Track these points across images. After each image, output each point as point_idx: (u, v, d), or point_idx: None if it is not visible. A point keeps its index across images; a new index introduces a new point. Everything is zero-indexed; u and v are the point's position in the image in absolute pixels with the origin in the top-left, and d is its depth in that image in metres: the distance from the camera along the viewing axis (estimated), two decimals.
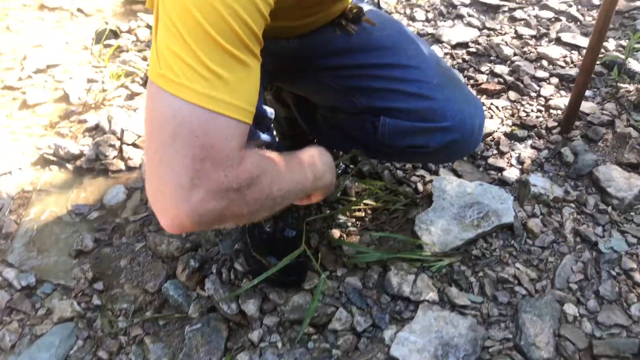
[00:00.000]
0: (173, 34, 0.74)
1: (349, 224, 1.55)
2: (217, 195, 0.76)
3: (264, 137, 0.99)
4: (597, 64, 2.10)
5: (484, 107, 1.97)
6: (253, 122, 0.95)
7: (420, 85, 1.25)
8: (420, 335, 1.27)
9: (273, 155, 0.90)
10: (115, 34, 2.28)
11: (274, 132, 1.15)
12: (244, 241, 1.43)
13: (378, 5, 1.47)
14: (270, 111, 1.00)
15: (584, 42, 2.25)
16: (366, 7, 1.35)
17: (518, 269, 1.45)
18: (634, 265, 1.46)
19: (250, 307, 1.31)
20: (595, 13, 2.50)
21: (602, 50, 2.11)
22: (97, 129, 1.85)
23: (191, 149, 0.73)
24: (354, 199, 1.60)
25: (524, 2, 2.60)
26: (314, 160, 1.04)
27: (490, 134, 1.86)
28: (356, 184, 1.66)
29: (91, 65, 2.16)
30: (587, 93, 1.99)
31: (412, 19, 2.48)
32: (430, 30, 2.40)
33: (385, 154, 1.41)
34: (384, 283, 1.38)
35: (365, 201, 1.59)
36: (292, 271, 1.33)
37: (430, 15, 2.52)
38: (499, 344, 1.29)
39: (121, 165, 1.72)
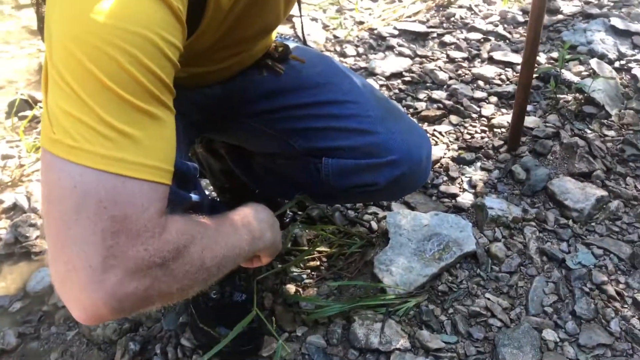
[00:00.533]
0: (65, 92, 0.62)
1: (304, 276, 1.43)
2: (138, 274, 0.63)
3: (191, 197, 0.87)
4: (533, 78, 2.09)
5: (428, 135, 1.91)
6: (174, 182, 0.83)
7: (360, 120, 1.16)
8: None
9: (201, 219, 0.78)
10: (29, 104, 2.11)
11: (203, 190, 1.02)
12: (188, 313, 1.28)
13: (304, 44, 1.38)
14: (193, 166, 0.88)
15: (516, 58, 2.25)
16: (292, 45, 1.27)
17: (489, 299, 1.35)
18: (605, 278, 1.40)
19: None
20: (521, 30, 2.53)
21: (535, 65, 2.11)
22: (15, 208, 1.68)
23: (100, 223, 0.61)
24: (306, 248, 1.48)
25: (451, 27, 2.61)
26: (249, 219, 0.92)
27: (437, 161, 1.80)
28: (307, 231, 1.55)
29: (5, 140, 1.99)
30: (529, 108, 1.97)
31: (342, 55, 2.44)
32: (362, 64, 2.36)
33: (333, 197, 1.31)
34: (350, 336, 1.26)
35: (318, 248, 1.47)
36: (246, 340, 1.19)
37: (361, 50, 2.48)
38: None
39: (45, 245, 1.54)
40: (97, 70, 0.61)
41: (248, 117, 1.20)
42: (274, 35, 1.23)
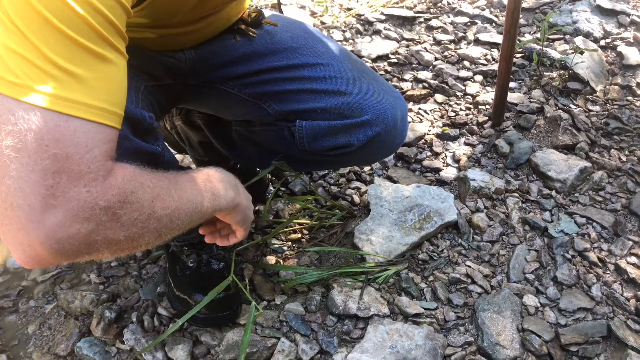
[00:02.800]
0: (10, 30, 0.61)
1: (285, 248, 1.42)
2: (80, 217, 0.61)
3: (147, 146, 0.84)
4: (517, 57, 2.09)
5: (412, 113, 1.90)
6: (131, 130, 0.82)
7: (334, 81, 1.16)
8: (373, 353, 1.13)
9: (155, 171, 0.76)
10: None
11: (166, 146, 1.00)
12: (166, 283, 1.27)
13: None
14: (149, 115, 0.87)
15: (501, 39, 2.24)
16: (267, 12, 1.27)
17: (469, 267, 1.34)
18: (587, 245, 1.39)
19: (179, 353, 1.14)
20: None
21: (519, 43, 2.11)
22: None
23: (40, 162, 0.59)
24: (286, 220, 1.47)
25: (438, 11, 2.60)
26: (209, 177, 0.90)
27: (421, 137, 1.79)
28: (289, 205, 1.54)
29: None
30: (513, 85, 1.96)
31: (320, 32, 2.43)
32: (349, 48, 2.35)
33: (310, 162, 1.29)
34: (328, 303, 1.25)
35: (299, 221, 1.46)
36: (222, 306, 1.18)
37: (348, 35, 2.48)
38: (460, 349, 1.17)
39: None
40: (43, 9, 0.60)
41: (221, 82, 1.20)
42: (247, 2, 1.22)
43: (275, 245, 1.42)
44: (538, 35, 2.28)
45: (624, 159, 1.64)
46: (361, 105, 1.13)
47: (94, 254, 0.67)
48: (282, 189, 1.60)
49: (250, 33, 1.19)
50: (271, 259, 1.38)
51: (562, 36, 2.21)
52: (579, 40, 2.09)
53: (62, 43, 0.61)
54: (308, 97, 1.16)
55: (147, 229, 0.70)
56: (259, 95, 1.19)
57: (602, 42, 2.15)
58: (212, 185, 0.89)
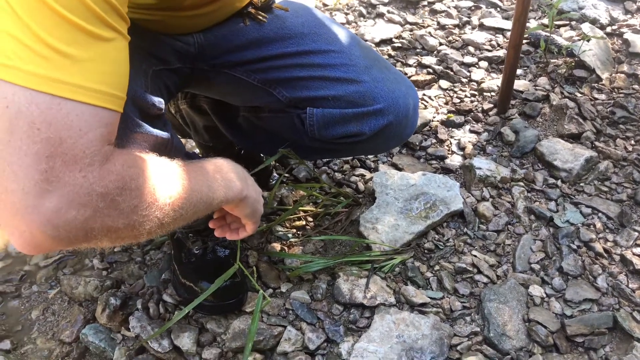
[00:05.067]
0: (5, 12, 0.58)
1: (290, 235, 1.41)
2: (77, 202, 0.59)
3: (155, 132, 0.82)
4: (524, 43, 2.06)
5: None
6: (140, 115, 0.80)
7: (345, 69, 1.14)
8: (380, 343, 1.13)
9: (160, 157, 0.74)
10: None
11: (174, 133, 0.98)
12: (171, 270, 1.26)
13: None
14: (159, 100, 0.84)
15: (507, 24, 2.22)
16: None
17: (475, 256, 1.34)
18: (593, 236, 1.38)
19: (185, 341, 1.14)
20: None
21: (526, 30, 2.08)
22: None
23: (33, 145, 0.57)
24: (291, 207, 1.46)
25: None
26: (218, 167, 0.88)
27: (426, 124, 1.77)
28: (293, 192, 1.53)
29: None
30: (518, 72, 1.94)
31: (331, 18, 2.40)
32: (352, 31, 2.32)
33: (318, 151, 1.28)
34: (334, 292, 1.24)
35: (303, 208, 1.45)
36: (228, 294, 1.18)
37: (351, 17, 2.44)
38: (467, 339, 1.17)
39: None
40: None
41: (231, 67, 1.17)
42: None
43: (280, 233, 1.41)
44: (544, 20, 2.26)
45: (630, 148, 1.64)
46: (373, 93, 1.11)
47: (92, 241, 0.65)
48: (287, 175, 1.58)
49: (260, 17, 1.17)
50: (276, 246, 1.37)
51: (568, 22, 2.19)
52: (585, 27, 2.07)
53: (56, 23, 0.59)
54: (319, 84, 1.14)
55: (148, 218, 0.68)
56: (268, 82, 1.17)
57: (609, 29, 2.13)
58: (220, 176, 0.88)
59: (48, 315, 1.26)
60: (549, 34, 2.02)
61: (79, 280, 1.28)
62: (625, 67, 1.93)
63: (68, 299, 1.28)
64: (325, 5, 2.54)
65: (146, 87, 0.93)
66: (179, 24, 1.06)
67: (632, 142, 1.66)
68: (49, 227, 0.59)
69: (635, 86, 1.86)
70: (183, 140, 1.67)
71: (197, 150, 1.59)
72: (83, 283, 1.27)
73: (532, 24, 2.24)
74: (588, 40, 1.91)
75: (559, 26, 2.18)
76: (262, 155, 1.56)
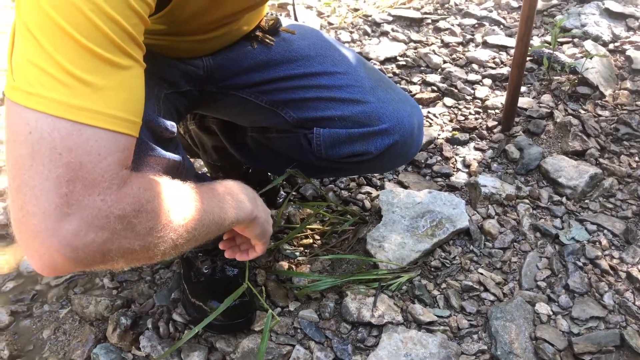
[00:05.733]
0: (29, 41, 0.61)
1: (297, 253, 1.42)
2: (96, 225, 0.62)
3: (168, 155, 0.85)
4: (527, 60, 2.09)
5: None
6: (153, 138, 0.82)
7: (351, 90, 1.16)
8: None
9: (174, 181, 0.76)
10: None
11: (186, 155, 1.00)
12: (180, 289, 1.28)
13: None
14: (171, 124, 0.87)
15: (510, 42, 2.25)
16: (284, 20, 1.27)
17: (482, 274, 1.35)
18: (599, 253, 1.39)
19: None
20: (515, 15, 2.52)
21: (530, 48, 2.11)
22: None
23: (54, 170, 0.60)
24: (299, 226, 1.48)
25: (445, 13, 2.60)
26: (229, 189, 0.90)
27: (431, 142, 1.79)
28: (300, 210, 1.54)
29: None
30: (522, 89, 1.96)
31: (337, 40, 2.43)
32: (357, 49, 2.35)
33: (324, 170, 1.30)
34: (342, 311, 1.25)
35: (310, 226, 1.47)
36: (237, 313, 1.19)
37: (356, 36, 2.48)
38: (474, 357, 1.18)
39: None
40: (59, 18, 0.60)
41: (239, 89, 1.20)
42: (265, 10, 1.22)
43: (288, 251, 1.42)
44: (546, 38, 2.28)
45: (634, 165, 1.65)
46: (379, 114, 1.14)
47: (109, 263, 0.67)
48: (294, 193, 1.60)
49: (268, 41, 1.20)
50: (284, 265, 1.39)
51: (570, 40, 2.21)
52: (588, 44, 2.09)
53: (77, 52, 0.61)
54: (326, 105, 1.16)
55: (162, 239, 0.70)
56: (276, 103, 1.19)
57: (611, 46, 2.16)
58: (231, 198, 0.90)
59: (59, 334, 1.27)
60: (552, 52, 2.04)
61: (89, 300, 1.29)
62: (628, 84, 1.95)
63: (79, 319, 1.30)
64: (330, 24, 2.58)
65: (159, 111, 0.95)
66: (188, 48, 1.09)
67: (637, 158, 1.68)
68: (68, 249, 0.61)
69: (639, 102, 1.87)
70: (192, 160, 1.70)
71: (205, 169, 1.61)
72: (94, 302, 1.28)
73: (535, 41, 2.26)
74: (591, 58, 1.93)
75: (561, 44, 2.20)
76: (269, 173, 1.58)
